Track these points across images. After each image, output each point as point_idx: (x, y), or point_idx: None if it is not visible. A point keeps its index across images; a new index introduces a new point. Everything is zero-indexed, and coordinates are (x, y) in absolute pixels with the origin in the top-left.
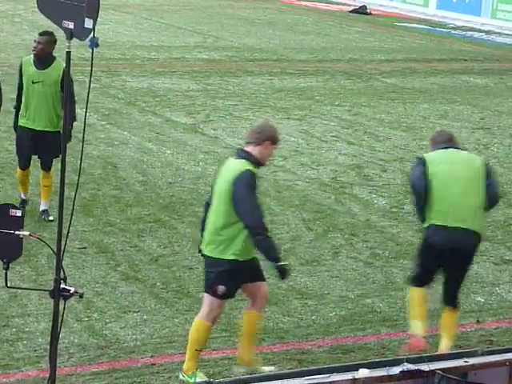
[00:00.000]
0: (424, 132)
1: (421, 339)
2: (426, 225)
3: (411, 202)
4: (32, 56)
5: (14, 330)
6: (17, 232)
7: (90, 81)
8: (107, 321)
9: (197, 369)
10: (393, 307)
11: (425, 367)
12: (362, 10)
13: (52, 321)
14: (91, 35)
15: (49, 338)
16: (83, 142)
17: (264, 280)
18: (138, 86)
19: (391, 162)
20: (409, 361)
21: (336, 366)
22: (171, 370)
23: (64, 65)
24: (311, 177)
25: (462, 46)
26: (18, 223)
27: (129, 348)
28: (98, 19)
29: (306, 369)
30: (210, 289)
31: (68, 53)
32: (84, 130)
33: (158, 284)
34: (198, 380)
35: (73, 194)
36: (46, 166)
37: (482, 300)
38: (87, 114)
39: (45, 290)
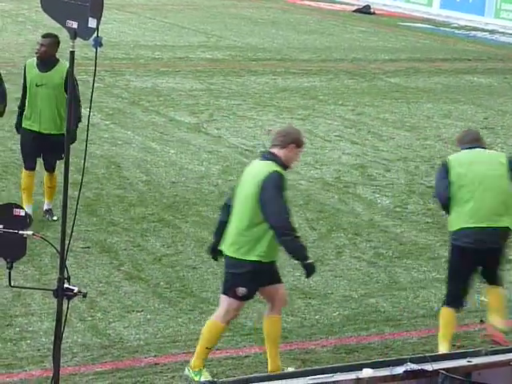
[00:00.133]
0: (428, 131)
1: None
2: (454, 228)
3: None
4: (35, 58)
5: (18, 329)
6: (20, 231)
7: (94, 80)
8: (111, 320)
9: (204, 367)
10: (396, 307)
11: (428, 367)
12: (365, 10)
13: (55, 320)
14: (95, 35)
15: (52, 338)
16: (87, 142)
17: (281, 282)
18: (141, 85)
19: (395, 162)
20: (412, 361)
21: (339, 366)
22: (175, 370)
23: (67, 66)
24: (315, 176)
25: (466, 45)
26: (22, 223)
27: (132, 347)
28: (102, 19)
29: (310, 368)
30: (229, 290)
31: (72, 52)
32: (88, 129)
33: (162, 283)
34: (202, 379)
35: (76, 193)
36: (50, 168)
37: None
38: (91, 113)
39: (48, 290)
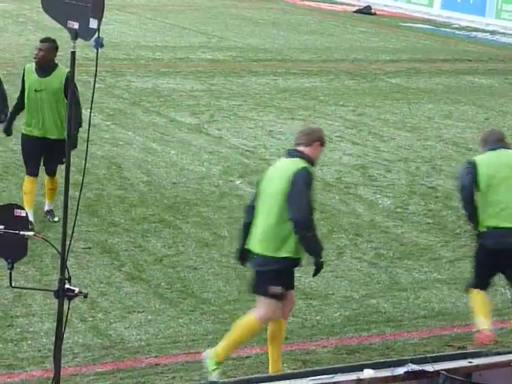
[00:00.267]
0: (429, 132)
1: (489, 333)
2: (480, 228)
3: (462, 207)
4: (34, 63)
5: (19, 329)
6: (21, 232)
7: (95, 81)
8: (112, 321)
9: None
10: (397, 308)
11: (429, 368)
12: (366, 10)
13: (56, 321)
14: (96, 35)
15: (53, 338)
16: (88, 143)
17: (293, 288)
18: (142, 86)
19: (396, 163)
20: (413, 361)
21: (341, 367)
22: (176, 370)
23: (67, 71)
24: (315, 177)
25: (467, 46)
26: (23, 223)
27: (133, 348)
28: (103, 19)
29: (311, 369)
30: (262, 290)
31: (73, 53)
32: (88, 130)
33: (163, 284)
34: (214, 374)
35: (77, 194)
36: (51, 172)
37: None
38: (92, 114)
39: (49, 291)
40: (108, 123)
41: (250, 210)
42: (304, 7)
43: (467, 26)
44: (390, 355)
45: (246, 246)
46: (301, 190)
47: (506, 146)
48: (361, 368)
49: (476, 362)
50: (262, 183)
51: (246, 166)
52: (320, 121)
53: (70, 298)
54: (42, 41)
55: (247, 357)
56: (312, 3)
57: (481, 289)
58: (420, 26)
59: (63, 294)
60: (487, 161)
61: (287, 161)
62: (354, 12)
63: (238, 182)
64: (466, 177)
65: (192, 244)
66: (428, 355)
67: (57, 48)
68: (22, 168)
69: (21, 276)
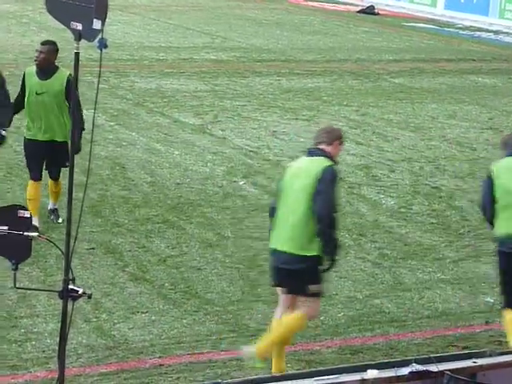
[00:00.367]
0: (432, 132)
1: None
2: (499, 234)
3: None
4: (34, 66)
5: (23, 330)
6: (25, 233)
7: (99, 82)
8: (115, 321)
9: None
10: (401, 308)
11: (433, 368)
12: (369, 10)
13: (61, 321)
14: (100, 36)
15: (57, 339)
16: (92, 143)
17: None
18: (146, 86)
19: (399, 163)
20: (417, 361)
21: (345, 367)
22: (179, 371)
23: (67, 73)
24: None
25: (471, 45)
26: (27, 224)
27: (137, 349)
28: (106, 20)
29: (315, 369)
30: (304, 290)
31: (76, 54)
32: (92, 131)
33: (167, 285)
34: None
35: (81, 194)
36: (55, 177)
37: (491, 301)
38: (95, 114)
39: (54, 291)
40: (112, 124)
41: (273, 211)
42: (307, 7)
43: (471, 26)
44: (394, 355)
45: (271, 246)
46: (328, 187)
47: None
48: (365, 368)
49: (480, 362)
50: (283, 182)
51: (249, 167)
52: (324, 121)
53: (74, 299)
54: (42, 43)
55: (251, 357)
56: (315, 3)
57: None
58: (423, 25)
59: (67, 295)
60: (505, 166)
61: (311, 159)
62: (358, 12)
63: (241, 183)
64: (485, 197)
65: (196, 244)
66: (432, 355)
67: (57, 50)
68: (25, 169)
69: (25, 277)
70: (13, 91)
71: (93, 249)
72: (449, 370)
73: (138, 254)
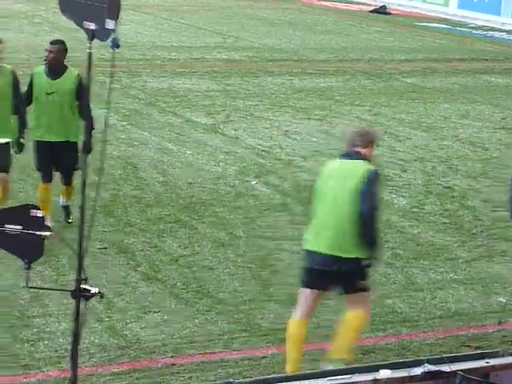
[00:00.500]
0: (445, 132)
1: None
2: None
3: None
4: (43, 66)
5: (35, 330)
6: (38, 232)
7: (111, 82)
8: (128, 321)
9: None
10: (413, 308)
11: (446, 368)
12: (381, 10)
13: (73, 321)
14: (112, 36)
15: (69, 338)
16: (104, 143)
17: None
18: (158, 86)
19: (411, 162)
20: (430, 362)
21: (357, 367)
22: (192, 371)
23: (77, 72)
24: None
25: (483, 45)
26: (40, 223)
27: (149, 348)
28: (119, 20)
29: (328, 369)
30: (355, 288)
31: (89, 54)
32: (105, 130)
33: (179, 284)
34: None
35: (93, 194)
36: (67, 182)
37: (504, 301)
38: (108, 114)
39: (67, 291)
40: (124, 123)
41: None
42: (320, 7)
43: (483, 26)
44: (406, 355)
45: (307, 246)
46: (374, 189)
47: None
48: (377, 368)
49: (493, 362)
50: (320, 184)
51: (261, 166)
52: (336, 121)
53: (87, 299)
54: (52, 43)
55: (263, 357)
56: (328, 3)
57: None
58: (435, 25)
59: (80, 295)
60: None
61: (351, 162)
62: (370, 12)
63: (253, 182)
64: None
65: (208, 244)
66: (444, 355)
67: (66, 50)
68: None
69: (37, 276)
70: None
71: (105, 248)
72: (461, 370)
73: (150, 253)
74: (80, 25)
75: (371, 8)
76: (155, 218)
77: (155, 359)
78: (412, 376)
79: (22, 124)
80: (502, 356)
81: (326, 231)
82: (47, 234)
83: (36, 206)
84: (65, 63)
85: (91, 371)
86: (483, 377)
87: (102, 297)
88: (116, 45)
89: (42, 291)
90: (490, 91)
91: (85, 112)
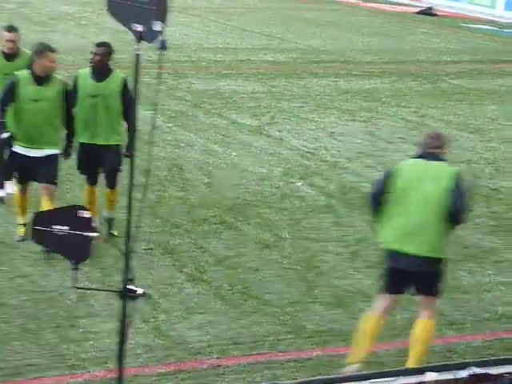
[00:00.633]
0: (492, 134)
1: None
2: None
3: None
4: (89, 68)
5: (81, 330)
6: (85, 233)
7: (159, 84)
8: (173, 322)
9: None
10: (460, 310)
11: (492, 371)
12: (428, 12)
13: (120, 321)
14: (160, 38)
15: (115, 339)
16: (151, 144)
17: None
18: (204, 88)
19: (458, 164)
20: (476, 364)
21: (403, 369)
22: (237, 372)
23: (122, 75)
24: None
25: None
26: (87, 224)
27: (195, 349)
28: (166, 22)
29: (373, 371)
30: (434, 291)
31: (137, 55)
32: (152, 132)
33: (224, 285)
34: None
35: (139, 195)
36: (112, 185)
37: None
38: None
39: (114, 291)
40: (170, 125)
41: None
42: (366, 9)
43: None
44: (452, 358)
45: (391, 247)
46: (464, 190)
47: None
48: (423, 371)
49: None
50: (403, 185)
51: (306, 168)
52: (382, 122)
53: (134, 299)
54: (97, 45)
55: (308, 358)
56: (374, 5)
57: None
58: (482, 26)
59: (127, 295)
60: None
61: (437, 163)
62: (416, 13)
63: (298, 184)
64: None
65: (253, 245)
66: (491, 358)
67: (112, 52)
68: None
69: (83, 277)
70: None
71: (151, 249)
72: (508, 373)
73: (195, 254)
74: (127, 26)
75: (417, 9)
76: (200, 220)
77: (201, 360)
78: (458, 379)
79: (71, 133)
80: None
81: (414, 231)
82: (94, 234)
83: (83, 207)
84: (110, 66)
85: (137, 371)
86: None
87: (149, 297)
88: (164, 46)
89: (88, 292)
90: None
91: (129, 114)
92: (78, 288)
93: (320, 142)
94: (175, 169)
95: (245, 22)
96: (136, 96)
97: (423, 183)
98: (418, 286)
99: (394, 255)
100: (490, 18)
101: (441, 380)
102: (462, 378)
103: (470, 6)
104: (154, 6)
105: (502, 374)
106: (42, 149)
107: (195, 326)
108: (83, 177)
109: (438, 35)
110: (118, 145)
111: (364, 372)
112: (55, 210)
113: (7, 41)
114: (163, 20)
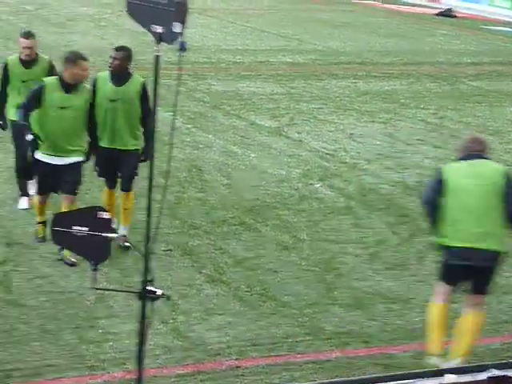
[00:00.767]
0: (511, 136)
1: None
2: None
3: None
4: (108, 72)
5: (101, 331)
6: (105, 234)
7: (178, 85)
8: (192, 323)
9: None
10: None
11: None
12: (447, 13)
13: (139, 322)
14: (179, 39)
15: (134, 340)
16: (171, 146)
17: None
18: (223, 89)
19: None
20: (495, 367)
21: (422, 372)
22: (256, 373)
23: (141, 79)
24: (396, 180)
25: None
26: (106, 225)
27: (213, 350)
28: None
29: (392, 374)
30: (486, 287)
31: (157, 57)
32: (171, 133)
33: (243, 287)
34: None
35: (157, 196)
36: (126, 187)
37: None
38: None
39: (133, 292)
40: (189, 126)
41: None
42: (384, 10)
43: None
44: (471, 360)
45: (452, 244)
46: None
47: None
48: (442, 373)
49: None
50: (452, 183)
51: (325, 169)
52: (401, 124)
53: (153, 300)
54: (116, 49)
55: (327, 360)
56: (393, 6)
57: None
58: (502, 28)
59: (147, 296)
60: None
61: (486, 162)
62: (435, 15)
63: (317, 185)
64: None
65: (272, 247)
66: (510, 361)
67: (131, 56)
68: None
69: (103, 277)
70: None
71: (170, 250)
72: None
73: (214, 255)
74: (147, 28)
75: (436, 11)
76: (219, 221)
77: (219, 361)
78: (477, 381)
79: (95, 141)
80: None
81: (472, 227)
82: (114, 235)
83: (103, 208)
84: (129, 70)
85: (156, 373)
86: None
87: (168, 298)
88: (183, 48)
89: (107, 292)
90: None
91: (148, 119)
92: (97, 289)
93: (339, 144)
94: (194, 170)
95: (263, 23)
96: (155, 98)
97: (476, 180)
98: (478, 281)
99: (451, 250)
100: (510, 19)
101: (459, 382)
102: (481, 380)
103: (490, 8)
104: (174, 8)
105: None
106: (66, 157)
107: (214, 327)
108: (102, 179)
109: (457, 37)
110: (137, 149)
111: (383, 374)
112: (75, 211)
113: (24, 48)
114: (183, 21)
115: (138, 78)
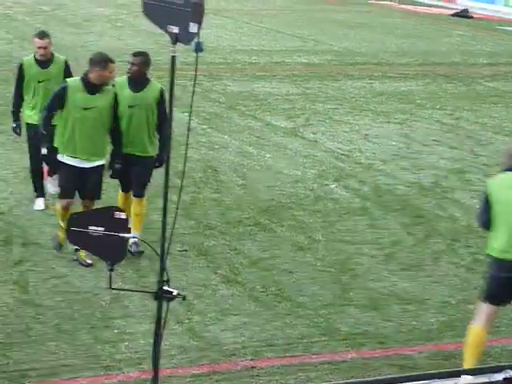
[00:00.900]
0: None
1: None
2: None
3: None
4: (125, 77)
5: (116, 331)
6: (121, 234)
7: (195, 85)
8: (207, 323)
9: None
10: None
11: None
12: (463, 14)
13: (154, 323)
14: (195, 39)
15: (150, 340)
16: (187, 146)
17: None
18: (238, 90)
19: (494, 167)
20: (511, 368)
21: (437, 372)
22: (271, 374)
23: (160, 86)
24: (412, 181)
25: None
26: (123, 225)
27: (229, 351)
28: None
29: (408, 374)
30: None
31: (173, 57)
32: (188, 134)
33: (258, 287)
34: None
35: (173, 197)
36: (139, 193)
37: None
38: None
39: (149, 292)
40: (204, 127)
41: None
42: (400, 10)
43: None
44: (487, 361)
45: (505, 257)
46: None
47: None
48: (458, 374)
49: None
50: (499, 196)
51: (341, 170)
52: (417, 124)
53: (169, 300)
54: (134, 54)
55: (342, 361)
56: (409, 7)
57: None
58: None
59: (162, 296)
60: None
61: None
62: (451, 15)
63: (333, 186)
64: None
65: (287, 247)
66: None
67: (149, 61)
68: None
69: (118, 278)
70: None
71: (185, 251)
72: None
73: (229, 256)
74: (163, 29)
75: (452, 12)
76: (235, 221)
77: (235, 362)
78: (493, 382)
79: (119, 145)
80: None
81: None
82: (131, 235)
83: (119, 208)
84: (147, 75)
85: (171, 373)
86: None
87: (184, 299)
88: (200, 48)
89: (122, 293)
90: None
91: (164, 125)
92: (113, 289)
93: (354, 144)
94: (210, 171)
95: (278, 23)
96: (171, 98)
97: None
98: None
99: (502, 263)
100: None
101: (476, 383)
102: (497, 381)
103: (506, 9)
104: (190, 8)
105: None
106: (89, 159)
107: (229, 328)
108: (118, 182)
109: (473, 37)
110: (152, 156)
111: (398, 375)
112: (91, 211)
113: (39, 48)
114: (199, 22)
115: (156, 84)
